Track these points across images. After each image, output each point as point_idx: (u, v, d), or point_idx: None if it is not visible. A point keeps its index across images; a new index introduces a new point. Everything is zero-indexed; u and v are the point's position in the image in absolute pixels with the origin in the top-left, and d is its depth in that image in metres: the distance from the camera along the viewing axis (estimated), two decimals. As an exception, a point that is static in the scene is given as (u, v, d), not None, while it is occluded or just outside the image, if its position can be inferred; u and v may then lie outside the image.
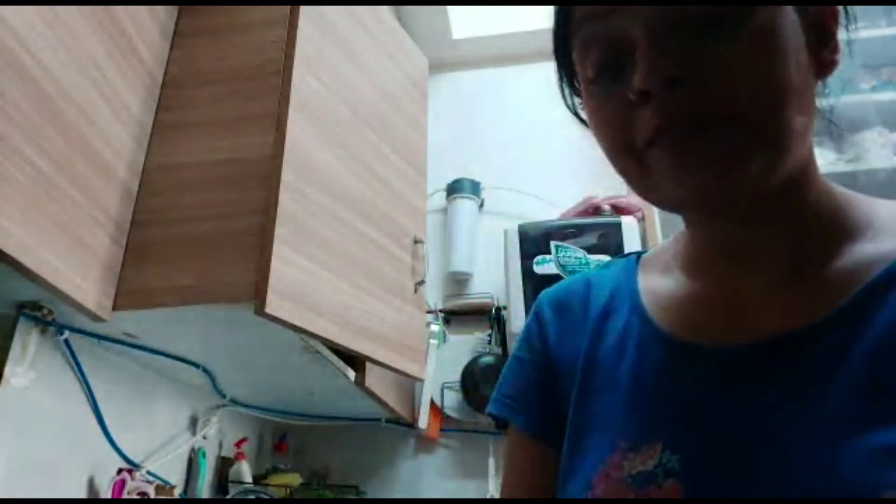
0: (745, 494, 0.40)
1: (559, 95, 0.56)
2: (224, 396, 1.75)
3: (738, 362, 0.45)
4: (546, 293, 0.62)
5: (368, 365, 1.58)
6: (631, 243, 1.93)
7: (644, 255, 0.59)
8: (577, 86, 0.52)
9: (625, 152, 0.45)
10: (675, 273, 0.54)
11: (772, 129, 0.42)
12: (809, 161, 0.48)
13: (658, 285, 0.54)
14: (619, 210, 1.99)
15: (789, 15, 0.43)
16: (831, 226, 0.47)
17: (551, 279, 1.88)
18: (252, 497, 1.78)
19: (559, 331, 0.58)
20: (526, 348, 0.60)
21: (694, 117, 0.41)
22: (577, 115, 0.55)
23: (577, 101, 0.54)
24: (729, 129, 0.41)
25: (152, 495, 1.40)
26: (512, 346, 1.48)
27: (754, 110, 0.41)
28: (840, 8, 0.48)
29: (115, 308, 1.18)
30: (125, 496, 1.35)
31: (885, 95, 2.17)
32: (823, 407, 0.40)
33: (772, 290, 0.47)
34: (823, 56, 0.47)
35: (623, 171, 0.47)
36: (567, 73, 0.53)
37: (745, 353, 0.45)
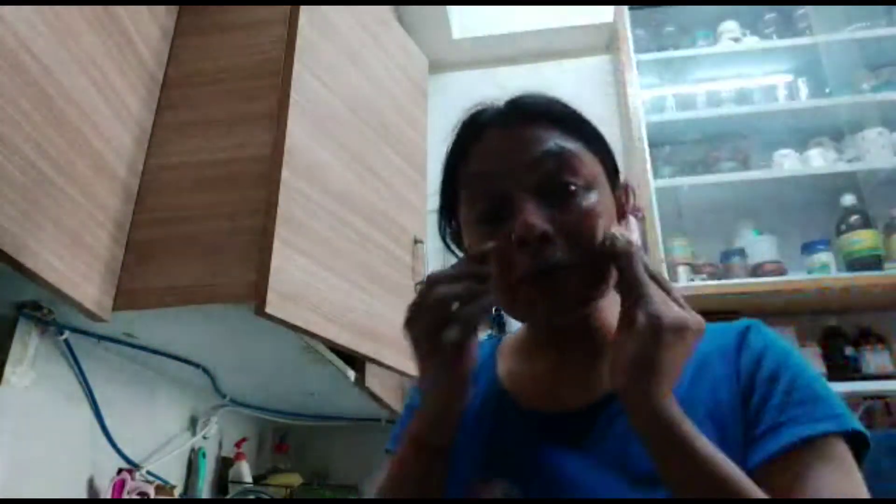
0: None
1: (439, 227, 0.74)
2: (224, 396, 1.75)
3: (557, 425, 0.65)
4: None
5: (368, 365, 1.58)
6: (631, 243, 1.93)
7: (501, 342, 0.78)
8: (452, 220, 0.72)
9: (500, 284, 0.61)
10: (524, 356, 0.73)
11: (596, 270, 0.62)
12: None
13: (511, 365, 0.74)
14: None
15: (607, 197, 0.65)
16: (608, 333, 0.65)
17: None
18: (252, 497, 1.78)
19: None
20: (417, 398, 0.73)
21: (550, 267, 0.60)
22: (445, 240, 0.74)
23: (448, 230, 0.73)
24: (571, 275, 0.60)
25: (152, 495, 1.40)
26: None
27: (586, 262, 0.61)
28: (632, 187, 0.70)
29: (115, 308, 1.18)
30: (125, 496, 1.35)
31: (885, 95, 2.17)
32: (602, 458, 0.60)
33: (577, 376, 0.67)
34: (622, 212, 0.69)
35: (498, 294, 0.62)
36: (448, 209, 0.71)
37: (561, 418, 0.65)
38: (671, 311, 0.54)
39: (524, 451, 0.64)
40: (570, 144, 0.64)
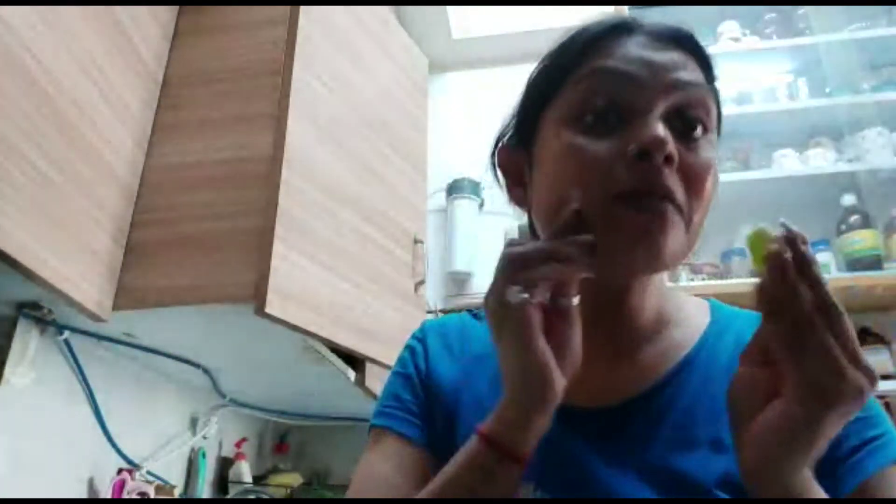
0: None
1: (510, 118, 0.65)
2: (224, 396, 1.75)
3: (592, 422, 0.56)
4: (429, 322, 0.71)
5: (368, 365, 1.58)
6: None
7: None
8: (527, 123, 0.61)
9: (589, 195, 0.52)
10: None
11: (695, 228, 0.55)
12: None
13: None
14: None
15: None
16: (654, 316, 0.60)
17: (551, 279, 1.88)
18: (252, 497, 1.78)
19: (438, 358, 0.65)
20: (411, 366, 0.66)
21: (665, 191, 0.51)
22: (494, 151, 0.66)
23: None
24: (677, 213, 0.52)
25: (152, 495, 1.40)
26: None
27: (691, 210, 0.53)
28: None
29: (115, 308, 1.18)
30: (125, 496, 1.35)
31: (885, 95, 2.17)
32: (643, 457, 0.53)
33: (610, 365, 0.58)
34: None
35: (570, 211, 0.52)
36: (534, 107, 0.60)
37: (598, 414, 0.56)
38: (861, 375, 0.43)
39: (549, 448, 0.53)
40: (705, 84, 0.56)
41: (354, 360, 1.57)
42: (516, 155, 0.63)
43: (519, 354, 0.47)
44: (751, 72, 2.35)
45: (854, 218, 2.03)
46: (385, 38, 1.80)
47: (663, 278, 0.61)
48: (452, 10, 2.54)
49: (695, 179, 0.53)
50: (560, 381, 0.47)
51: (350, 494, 0.60)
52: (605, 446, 0.55)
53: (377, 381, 1.68)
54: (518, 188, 0.63)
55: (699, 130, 0.54)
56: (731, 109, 2.26)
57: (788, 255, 0.45)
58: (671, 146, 0.50)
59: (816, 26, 2.31)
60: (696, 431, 0.54)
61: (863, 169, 2.10)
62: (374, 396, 1.70)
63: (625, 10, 2.43)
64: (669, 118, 0.53)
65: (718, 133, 0.59)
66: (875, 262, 1.96)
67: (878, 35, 2.23)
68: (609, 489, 0.52)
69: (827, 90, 2.24)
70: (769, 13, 2.41)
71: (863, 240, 2.00)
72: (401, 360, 0.68)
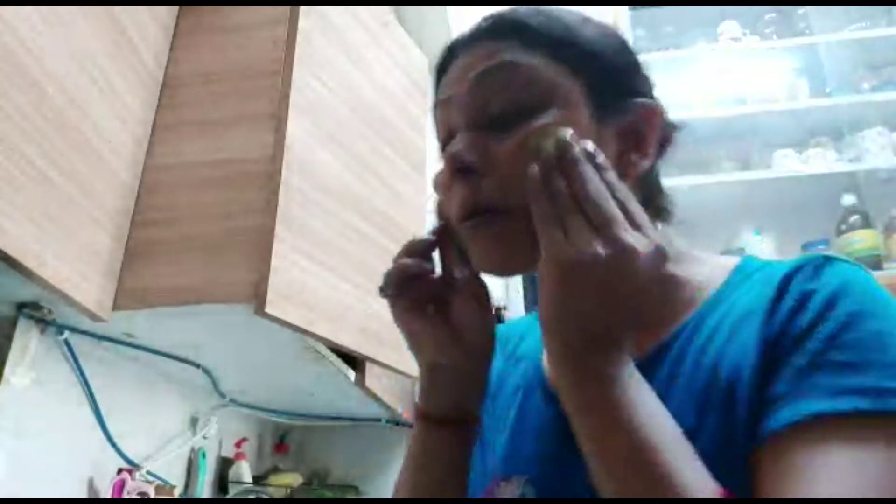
0: None
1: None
2: (224, 396, 1.75)
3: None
4: (501, 325, 0.72)
5: (368, 365, 1.58)
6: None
7: None
8: None
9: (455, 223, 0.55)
10: None
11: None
12: None
13: None
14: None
15: (581, 118, 0.51)
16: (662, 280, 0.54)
17: (551, 279, 1.88)
18: (252, 497, 1.78)
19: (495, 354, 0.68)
20: None
21: (477, 207, 0.51)
22: None
23: None
24: (506, 220, 0.50)
25: (152, 495, 1.40)
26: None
27: (522, 204, 0.47)
28: (659, 108, 0.54)
29: (115, 308, 1.18)
30: (125, 496, 1.35)
31: (885, 95, 2.17)
32: None
33: None
34: (630, 159, 0.53)
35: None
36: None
37: None
38: (572, 247, 0.42)
39: (544, 438, 0.57)
40: (523, 57, 0.52)
41: (354, 360, 1.57)
42: None
43: (408, 342, 0.59)
44: (751, 72, 2.36)
45: (854, 218, 2.04)
46: (385, 38, 1.80)
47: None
48: (452, 10, 2.54)
49: (508, 161, 0.50)
50: (441, 345, 0.55)
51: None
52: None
53: (377, 381, 1.68)
54: None
55: (514, 111, 0.51)
56: (732, 109, 2.26)
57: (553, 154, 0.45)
58: (459, 157, 0.51)
59: (816, 26, 2.31)
60: (690, 400, 0.48)
61: (863, 169, 2.10)
62: (374, 396, 1.70)
63: (625, 11, 2.43)
64: (477, 119, 0.52)
65: (613, 86, 0.54)
66: (875, 262, 1.97)
67: (878, 35, 2.23)
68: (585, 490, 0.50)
69: (827, 90, 2.24)
70: (769, 13, 2.42)
71: (863, 240, 2.00)
72: None
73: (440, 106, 0.56)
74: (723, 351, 0.49)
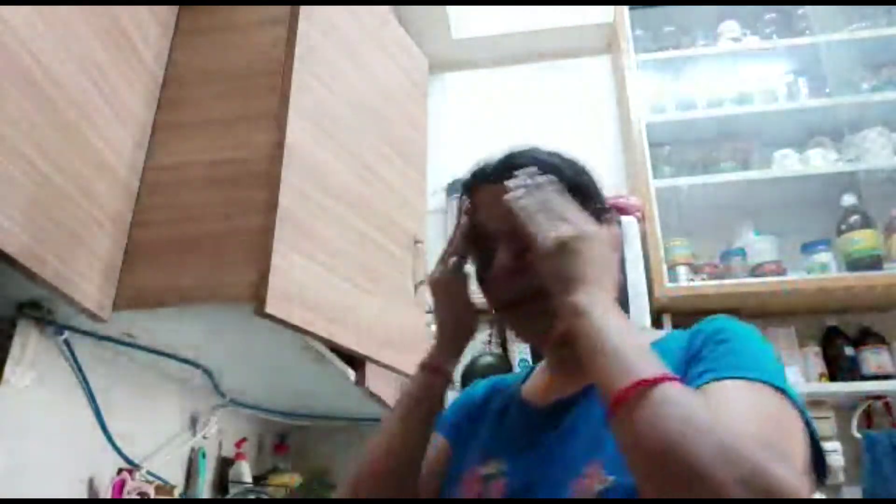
0: (535, 488, 0.69)
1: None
2: (224, 396, 1.75)
3: (542, 414, 0.77)
4: (486, 380, 0.95)
5: (368, 365, 1.58)
6: (630, 243, 1.93)
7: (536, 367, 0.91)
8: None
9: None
10: (542, 372, 0.87)
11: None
12: None
13: (533, 380, 0.87)
14: (618, 210, 1.99)
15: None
16: None
17: (551, 279, 1.88)
18: (252, 497, 1.78)
19: (479, 387, 0.94)
20: (463, 393, 0.95)
21: (518, 298, 0.74)
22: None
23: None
24: (540, 302, 0.69)
25: (152, 495, 1.40)
26: (512, 346, 1.59)
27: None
28: (616, 215, 0.83)
29: (115, 308, 1.18)
30: (125, 496, 1.35)
31: (886, 95, 2.17)
32: (575, 443, 0.70)
33: (565, 376, 0.79)
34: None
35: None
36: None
37: (545, 409, 0.78)
38: (560, 229, 0.66)
39: (517, 434, 0.78)
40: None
41: (354, 360, 1.57)
42: None
43: (453, 306, 0.84)
44: (751, 72, 2.35)
45: (854, 218, 2.03)
46: (385, 38, 1.80)
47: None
48: (452, 10, 2.54)
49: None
50: (467, 308, 0.84)
51: None
52: (554, 427, 0.74)
53: (377, 381, 1.68)
54: None
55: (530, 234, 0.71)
56: (732, 109, 2.26)
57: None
58: (508, 265, 0.73)
59: (816, 26, 2.31)
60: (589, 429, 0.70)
61: (863, 169, 2.10)
62: (374, 396, 1.70)
63: (625, 11, 2.43)
64: (514, 236, 0.72)
65: (599, 205, 0.78)
66: (875, 262, 1.96)
67: (878, 35, 2.23)
68: (553, 452, 0.71)
69: (827, 90, 2.24)
70: (769, 13, 2.41)
71: (863, 240, 2.00)
72: (462, 392, 0.97)
73: (477, 227, 0.80)
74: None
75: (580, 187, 0.77)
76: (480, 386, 0.93)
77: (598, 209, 0.77)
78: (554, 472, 0.68)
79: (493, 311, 0.80)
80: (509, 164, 0.78)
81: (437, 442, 0.84)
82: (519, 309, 0.75)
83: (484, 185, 0.80)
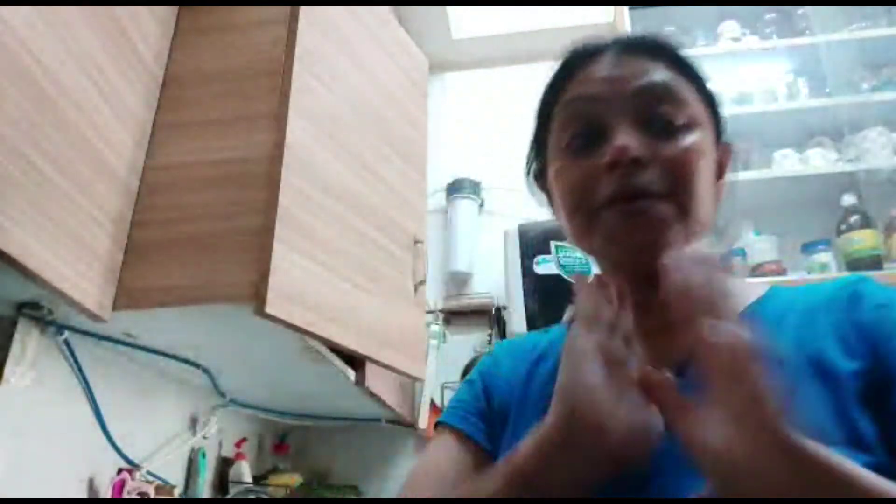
0: (650, 476, 0.51)
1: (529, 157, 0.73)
2: (224, 396, 1.75)
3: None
4: (504, 342, 0.79)
5: (368, 365, 1.58)
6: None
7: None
8: (540, 156, 0.70)
9: (581, 209, 0.61)
10: None
11: (692, 209, 0.59)
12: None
13: None
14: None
15: (710, 143, 0.63)
16: None
17: (551, 279, 1.88)
18: (252, 497, 1.78)
19: (506, 367, 0.71)
20: (476, 373, 0.73)
21: (640, 190, 0.58)
22: (529, 178, 0.74)
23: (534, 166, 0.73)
24: (661, 205, 0.58)
25: (152, 495, 1.40)
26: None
27: (680, 194, 0.58)
28: (732, 149, 0.68)
29: (115, 308, 1.18)
30: (125, 496, 1.35)
31: (886, 95, 2.17)
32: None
33: (663, 333, 0.57)
34: (719, 185, 0.67)
35: (575, 224, 0.62)
36: (539, 143, 0.70)
37: None
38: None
39: None
40: (677, 81, 0.63)
41: (354, 360, 1.57)
42: (541, 180, 0.71)
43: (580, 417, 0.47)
44: (751, 72, 2.35)
45: (854, 218, 2.03)
46: (385, 38, 1.80)
47: None
48: (452, 10, 2.54)
49: (677, 168, 0.59)
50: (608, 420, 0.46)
51: (406, 479, 0.66)
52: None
53: (377, 381, 1.68)
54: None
55: (674, 123, 0.60)
56: (731, 109, 2.26)
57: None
58: (636, 150, 0.57)
59: (816, 26, 2.31)
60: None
61: (863, 169, 2.09)
62: (374, 396, 1.70)
63: (625, 11, 2.43)
64: (643, 122, 0.60)
65: (719, 120, 0.66)
66: (875, 262, 1.96)
67: (878, 35, 2.23)
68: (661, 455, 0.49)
69: (827, 90, 2.23)
70: (769, 13, 2.41)
71: (863, 240, 1.99)
72: (474, 370, 0.75)
73: (584, 100, 0.63)
74: (799, 341, 0.56)
75: (714, 99, 0.66)
76: (493, 364, 0.72)
77: (720, 130, 0.66)
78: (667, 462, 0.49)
79: (584, 217, 0.60)
80: (634, 40, 0.65)
81: (460, 450, 0.65)
82: (634, 204, 0.57)
83: (597, 58, 0.64)
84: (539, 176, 0.71)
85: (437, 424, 0.71)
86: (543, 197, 0.71)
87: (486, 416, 0.67)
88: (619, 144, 0.57)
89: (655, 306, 0.57)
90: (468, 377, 0.74)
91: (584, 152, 0.61)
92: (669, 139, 0.60)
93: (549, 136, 0.67)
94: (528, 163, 0.73)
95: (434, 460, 0.67)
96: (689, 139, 0.60)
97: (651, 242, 0.57)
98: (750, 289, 0.65)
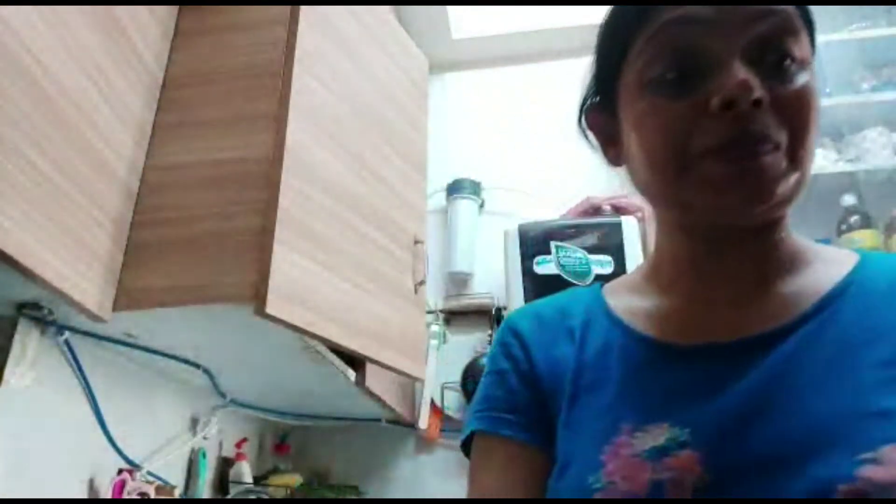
0: (750, 454, 0.47)
1: (580, 90, 0.63)
2: (224, 397, 1.75)
3: (722, 355, 0.52)
4: (518, 311, 0.67)
5: (368, 365, 1.58)
6: (631, 243, 1.93)
7: (606, 284, 0.66)
8: (607, 87, 0.59)
9: (675, 156, 0.51)
10: (648, 292, 0.61)
11: (804, 162, 0.51)
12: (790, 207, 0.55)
13: (629, 303, 0.61)
14: (619, 210, 1.99)
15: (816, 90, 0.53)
16: (790, 255, 0.57)
17: (551, 279, 1.88)
18: (252, 497, 1.78)
19: (540, 342, 0.62)
20: (504, 362, 0.62)
21: (760, 137, 0.49)
22: (581, 116, 0.64)
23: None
24: (776, 155, 0.49)
25: (152, 495, 1.40)
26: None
27: (795, 144, 0.50)
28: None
29: (115, 308, 1.18)
30: (125, 496, 1.35)
31: (885, 95, 2.17)
32: (799, 383, 0.49)
33: (738, 303, 0.55)
34: None
35: (659, 175, 0.53)
36: (609, 70, 0.58)
37: (727, 347, 0.53)
38: None
39: (674, 385, 0.53)
40: (792, 9, 0.52)
41: (354, 360, 1.57)
42: (604, 118, 0.61)
43: None
44: (751, 72, 2.35)
45: (854, 218, 2.03)
46: (385, 38, 1.80)
47: (785, 222, 0.56)
48: (452, 10, 2.54)
49: (796, 112, 0.50)
50: None
51: None
52: (745, 376, 0.50)
53: (377, 381, 1.68)
54: (612, 148, 0.61)
55: (790, 59, 0.51)
56: (731, 109, 2.26)
57: None
58: (757, 89, 0.48)
59: (816, 26, 2.31)
60: (854, 360, 0.48)
61: (863, 169, 2.09)
62: (374, 396, 1.70)
63: (625, 10, 2.44)
64: (753, 55, 0.50)
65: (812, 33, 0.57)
66: (875, 262, 1.96)
67: (877, 35, 2.23)
68: (760, 416, 0.48)
69: (827, 90, 2.23)
70: (769, 13, 2.41)
71: (863, 240, 1.99)
72: (492, 359, 0.64)
73: (684, 21, 0.51)
74: (871, 333, 0.50)
75: (812, 24, 0.56)
76: (529, 335, 0.62)
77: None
78: (782, 431, 0.47)
79: (677, 166, 0.51)
80: None
81: (517, 463, 0.57)
82: (748, 151, 0.48)
83: None
84: (600, 114, 0.61)
85: (474, 433, 0.61)
86: (592, 139, 0.63)
87: (531, 407, 0.59)
88: (742, 79, 0.48)
89: (728, 275, 0.55)
90: (490, 368, 0.64)
91: (684, 87, 0.51)
92: (788, 78, 0.50)
93: (627, 70, 0.55)
94: (584, 96, 0.63)
95: (491, 488, 0.58)
96: (805, 80, 0.51)
97: (762, 198, 0.49)
98: (836, 254, 0.59)
